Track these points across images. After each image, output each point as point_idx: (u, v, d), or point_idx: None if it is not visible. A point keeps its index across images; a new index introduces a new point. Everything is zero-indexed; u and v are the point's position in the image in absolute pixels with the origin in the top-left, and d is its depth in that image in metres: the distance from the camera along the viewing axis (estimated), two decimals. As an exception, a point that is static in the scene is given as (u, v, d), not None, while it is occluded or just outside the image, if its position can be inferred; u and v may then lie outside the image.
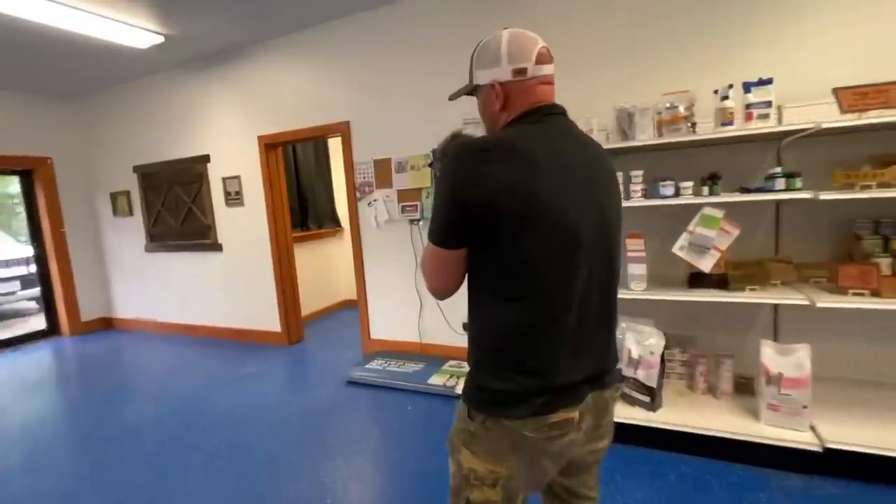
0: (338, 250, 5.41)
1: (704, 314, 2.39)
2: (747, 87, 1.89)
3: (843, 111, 1.79)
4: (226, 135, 4.03)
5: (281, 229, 3.99)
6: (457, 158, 0.80)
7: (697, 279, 2.19)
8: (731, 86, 1.89)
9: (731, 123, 1.90)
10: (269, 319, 4.12)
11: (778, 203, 2.27)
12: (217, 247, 4.27)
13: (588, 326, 0.84)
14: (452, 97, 1.03)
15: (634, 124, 2.07)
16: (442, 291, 0.89)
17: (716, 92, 1.96)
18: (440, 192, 0.82)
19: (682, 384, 2.37)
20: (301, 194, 4.93)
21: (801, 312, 2.18)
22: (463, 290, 0.91)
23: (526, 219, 0.76)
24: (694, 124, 1.98)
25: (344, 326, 4.61)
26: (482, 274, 0.84)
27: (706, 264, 1.99)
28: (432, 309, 3.34)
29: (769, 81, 1.85)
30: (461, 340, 3.18)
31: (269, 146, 3.83)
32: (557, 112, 0.87)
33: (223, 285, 4.35)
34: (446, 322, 3.28)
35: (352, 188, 3.53)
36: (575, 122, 0.91)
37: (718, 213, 1.95)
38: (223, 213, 4.19)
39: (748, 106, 1.88)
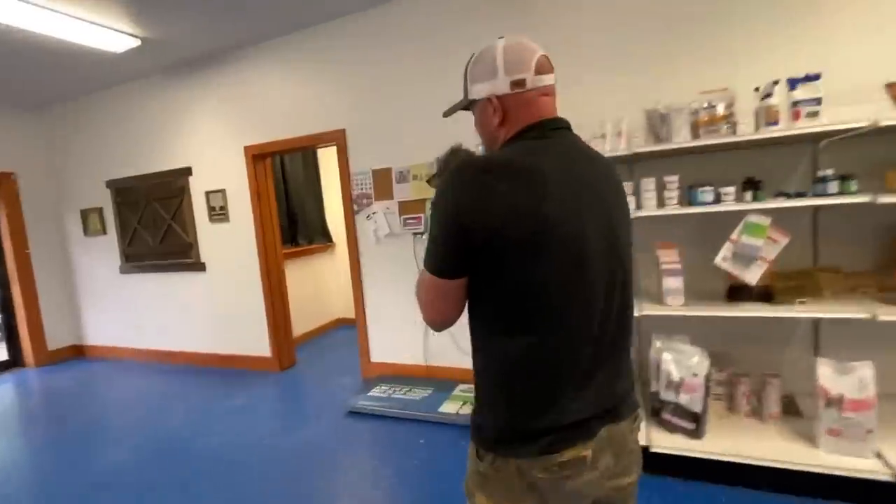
0: (329, 266, 5.13)
1: (738, 329, 2.21)
2: (793, 83, 1.74)
3: (899, 108, 1.66)
4: (209, 146, 3.75)
5: (270, 246, 3.71)
6: (457, 180, 0.73)
7: (737, 292, 2.03)
8: (776, 82, 1.74)
9: (776, 123, 1.75)
10: (257, 344, 3.81)
11: (815, 208, 2.12)
12: (200, 266, 3.95)
13: (602, 355, 0.77)
14: (446, 114, 0.96)
15: (669, 126, 1.91)
16: (440, 323, 0.82)
17: (756, 90, 1.82)
18: (438, 216, 0.74)
19: (722, 406, 2.18)
20: (290, 208, 4.66)
21: (845, 325, 2.01)
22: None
23: (536, 244, 0.69)
24: (734, 125, 1.82)
25: (339, 348, 4.32)
26: (485, 304, 0.77)
27: (752, 276, 1.83)
28: (438, 328, 3.10)
29: (817, 77, 1.71)
30: (471, 361, 2.95)
31: (257, 157, 3.57)
32: (562, 126, 0.81)
33: (207, 308, 4.02)
34: (454, 342, 3.05)
35: (348, 200, 3.29)
36: (579, 136, 0.84)
37: (765, 221, 1.79)
38: (206, 229, 3.89)
39: (795, 104, 1.74)
